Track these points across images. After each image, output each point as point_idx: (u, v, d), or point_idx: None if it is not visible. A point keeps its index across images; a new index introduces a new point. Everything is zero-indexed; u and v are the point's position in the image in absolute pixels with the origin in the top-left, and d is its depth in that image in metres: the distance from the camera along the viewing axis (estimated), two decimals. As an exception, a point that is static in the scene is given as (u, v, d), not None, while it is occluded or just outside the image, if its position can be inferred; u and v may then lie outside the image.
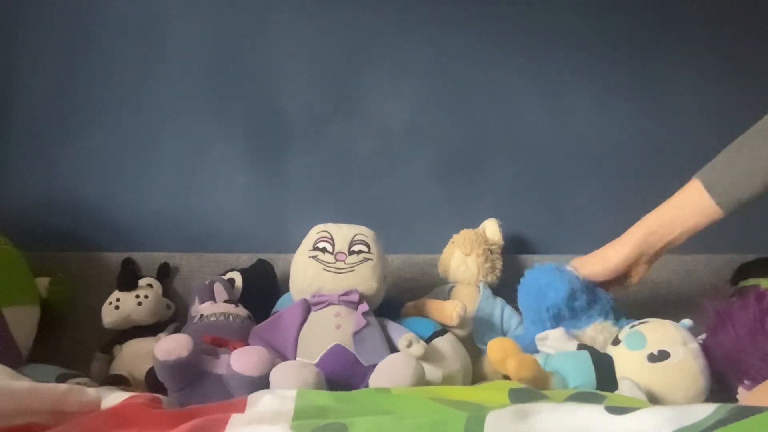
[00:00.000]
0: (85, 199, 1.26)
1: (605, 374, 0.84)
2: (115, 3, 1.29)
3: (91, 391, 0.71)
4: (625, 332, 0.91)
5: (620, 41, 1.33)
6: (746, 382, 0.84)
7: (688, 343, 0.86)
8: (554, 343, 0.92)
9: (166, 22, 1.29)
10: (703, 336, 0.90)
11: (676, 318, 0.91)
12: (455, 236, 1.16)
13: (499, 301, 1.11)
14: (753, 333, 0.84)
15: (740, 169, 0.88)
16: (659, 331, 0.88)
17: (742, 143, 0.89)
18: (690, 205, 0.91)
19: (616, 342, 0.90)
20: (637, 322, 0.93)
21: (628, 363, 0.86)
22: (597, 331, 0.94)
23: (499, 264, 1.15)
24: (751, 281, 1.13)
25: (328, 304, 0.92)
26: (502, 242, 1.17)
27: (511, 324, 1.08)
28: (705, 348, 0.87)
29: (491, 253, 1.14)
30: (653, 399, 0.82)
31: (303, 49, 1.31)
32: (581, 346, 0.91)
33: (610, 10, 1.33)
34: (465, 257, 1.12)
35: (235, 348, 0.84)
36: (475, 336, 1.03)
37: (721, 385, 0.86)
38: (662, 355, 0.84)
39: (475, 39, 1.32)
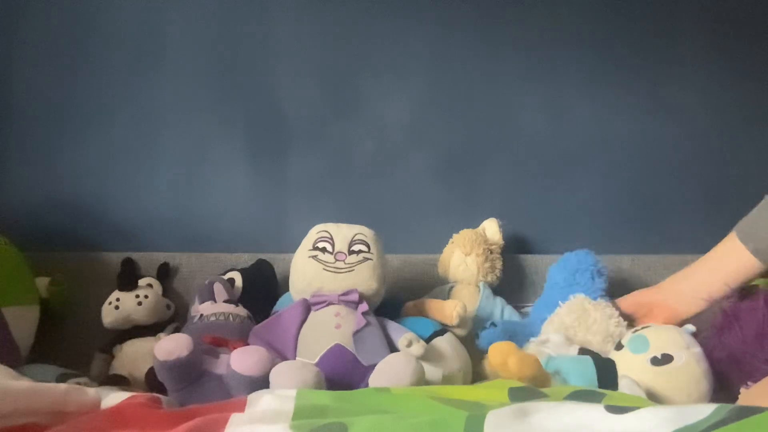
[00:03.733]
0: (85, 199, 1.26)
1: (608, 378, 0.84)
2: (115, 3, 1.29)
3: (91, 391, 0.71)
4: (628, 336, 0.90)
5: (620, 40, 1.33)
6: (749, 384, 0.83)
7: (691, 347, 0.86)
8: (555, 347, 0.92)
9: (166, 22, 1.29)
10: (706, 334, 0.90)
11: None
12: (455, 236, 1.16)
13: (499, 301, 1.11)
14: (760, 336, 0.84)
15: None
16: (662, 335, 0.88)
17: None
18: (728, 257, 0.93)
19: (619, 347, 0.90)
20: (639, 327, 0.92)
21: (631, 366, 0.85)
22: (607, 316, 0.95)
23: (499, 264, 1.15)
24: (753, 282, 1.12)
25: (328, 304, 0.92)
26: (502, 242, 1.17)
27: (511, 324, 1.08)
28: (708, 347, 0.87)
29: (491, 252, 1.14)
30: (656, 402, 0.81)
31: (303, 49, 1.31)
32: (582, 351, 0.90)
33: (609, 9, 1.33)
34: (465, 257, 1.12)
35: (234, 348, 0.84)
36: (474, 336, 1.03)
37: (722, 385, 0.86)
38: (665, 359, 0.84)
39: (474, 39, 1.32)
